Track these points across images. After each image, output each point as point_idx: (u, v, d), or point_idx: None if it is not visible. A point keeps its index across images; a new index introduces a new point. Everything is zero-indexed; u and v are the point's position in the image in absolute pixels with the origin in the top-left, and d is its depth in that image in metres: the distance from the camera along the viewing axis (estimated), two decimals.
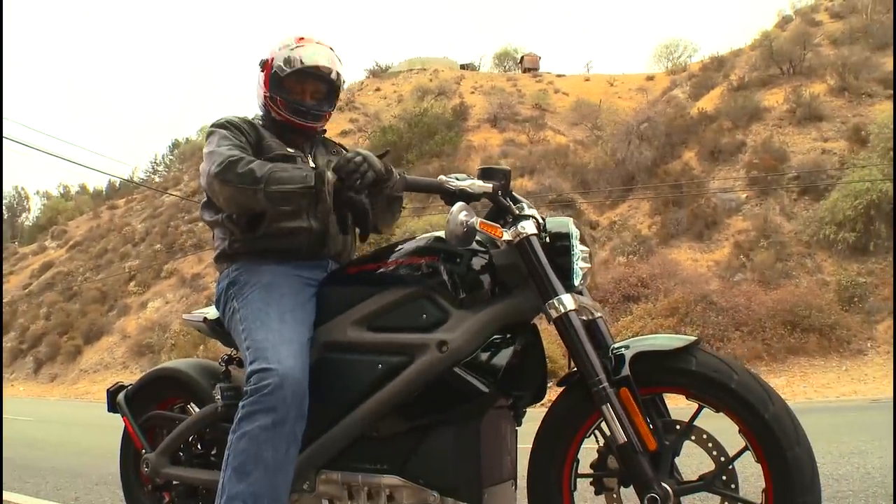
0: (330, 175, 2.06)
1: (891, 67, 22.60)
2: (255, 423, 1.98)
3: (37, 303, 36.12)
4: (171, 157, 57.20)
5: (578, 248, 2.02)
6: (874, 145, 19.55)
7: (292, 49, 2.42)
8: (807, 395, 13.31)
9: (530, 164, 29.69)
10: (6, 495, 4.43)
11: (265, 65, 2.47)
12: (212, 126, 2.41)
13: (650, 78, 45.26)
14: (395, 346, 2.03)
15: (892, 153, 17.72)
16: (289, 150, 2.41)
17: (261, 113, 2.56)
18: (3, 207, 61.21)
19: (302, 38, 2.47)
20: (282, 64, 2.41)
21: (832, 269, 18.13)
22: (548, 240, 2.00)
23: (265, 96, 2.47)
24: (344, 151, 2.60)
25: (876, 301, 16.34)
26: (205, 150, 2.36)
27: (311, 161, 2.48)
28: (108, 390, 2.87)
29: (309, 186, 2.06)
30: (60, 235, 45.83)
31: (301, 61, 2.40)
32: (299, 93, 2.45)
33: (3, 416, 12.49)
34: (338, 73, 2.48)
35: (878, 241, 17.57)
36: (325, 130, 2.65)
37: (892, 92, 21.85)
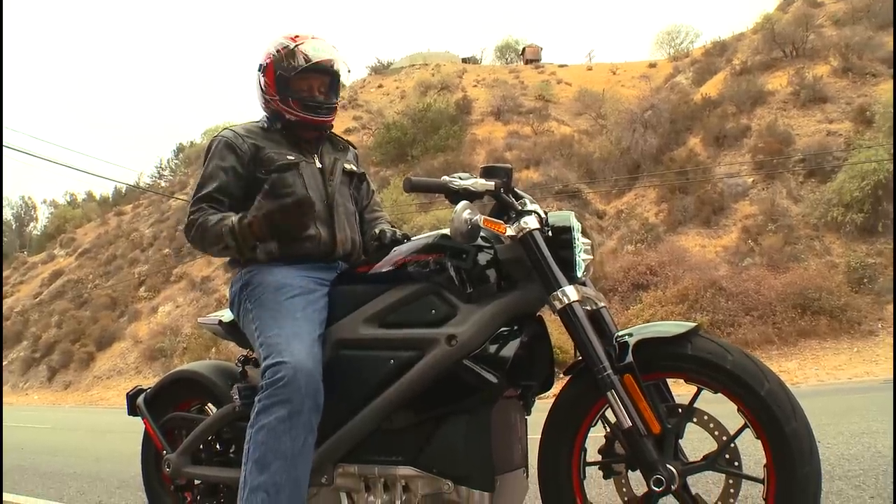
0: (237, 226, 2.24)
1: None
2: (272, 416, 2.04)
3: (48, 311, 36.25)
4: (176, 161, 57.15)
5: (580, 241, 2.08)
6: (879, 125, 19.45)
7: (293, 48, 2.44)
8: (819, 377, 13.27)
9: (535, 156, 29.63)
10: (8, 496, 4.52)
11: (266, 69, 2.48)
12: (212, 139, 2.49)
13: (653, 65, 45.06)
14: (406, 342, 2.09)
15: (894, 134, 17.63)
16: (289, 157, 2.44)
17: (265, 115, 2.57)
18: (10, 217, 61.52)
19: (297, 36, 2.50)
20: (286, 64, 2.43)
21: (841, 250, 18.06)
22: (550, 234, 2.05)
23: (275, 100, 2.47)
24: (351, 148, 2.74)
25: (886, 281, 16.25)
26: (202, 169, 2.46)
27: (317, 161, 2.51)
28: (127, 394, 2.93)
29: (225, 242, 2.28)
30: (69, 243, 45.98)
31: (308, 58, 2.43)
32: (307, 89, 2.48)
33: (22, 425, 12.66)
34: (341, 65, 2.53)
35: (887, 221, 17.48)
36: (331, 126, 2.68)
37: (893, 70, 21.70)
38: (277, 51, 2.46)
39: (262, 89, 2.51)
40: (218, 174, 2.39)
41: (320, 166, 2.52)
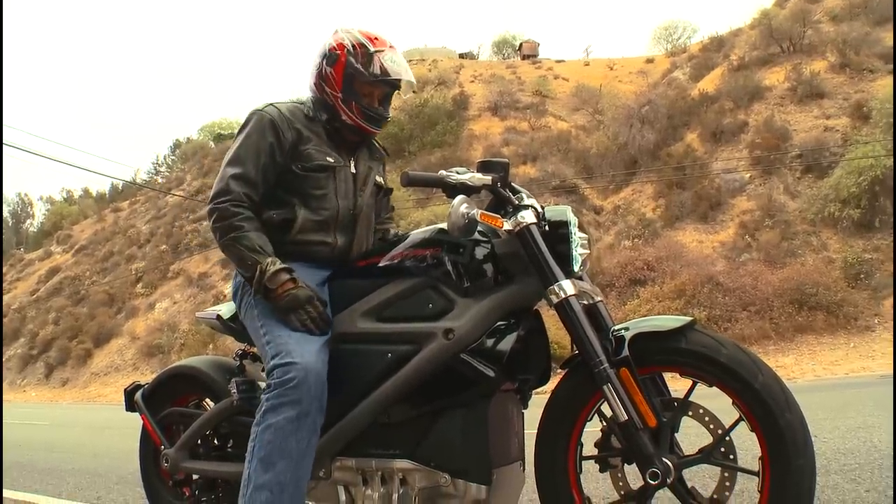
0: (267, 272, 2.16)
1: (891, 42, 22.46)
2: (280, 416, 2.03)
3: (45, 308, 36.26)
4: (172, 157, 56.90)
5: (577, 235, 2.08)
6: (876, 121, 19.50)
7: (372, 53, 2.35)
8: (816, 372, 13.30)
9: (532, 152, 29.66)
10: (7, 493, 4.52)
11: (336, 61, 2.37)
12: (254, 112, 2.37)
13: (650, 60, 45.09)
14: (404, 336, 2.10)
15: (893, 129, 17.65)
16: (329, 159, 2.37)
17: (310, 99, 2.47)
18: (7, 214, 61.40)
19: (377, 39, 2.39)
20: (362, 68, 2.34)
21: (838, 246, 18.11)
22: (547, 228, 2.05)
23: (336, 96, 2.37)
24: (385, 154, 2.71)
25: (882, 277, 16.31)
26: (234, 140, 2.38)
27: (352, 167, 2.45)
28: (125, 390, 2.92)
29: (248, 272, 2.22)
30: (66, 240, 45.93)
31: (385, 71, 2.35)
32: (368, 95, 2.40)
33: (20, 422, 12.66)
34: (407, 85, 2.46)
35: (883, 216, 17.55)
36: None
37: (892, 66, 21.72)
38: (354, 47, 2.35)
39: (322, 78, 2.39)
40: (259, 153, 2.29)
41: (354, 172, 2.46)
